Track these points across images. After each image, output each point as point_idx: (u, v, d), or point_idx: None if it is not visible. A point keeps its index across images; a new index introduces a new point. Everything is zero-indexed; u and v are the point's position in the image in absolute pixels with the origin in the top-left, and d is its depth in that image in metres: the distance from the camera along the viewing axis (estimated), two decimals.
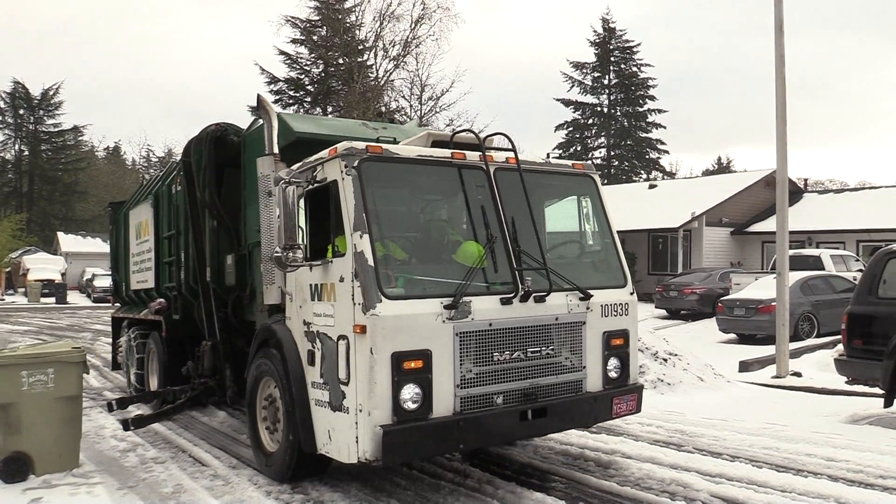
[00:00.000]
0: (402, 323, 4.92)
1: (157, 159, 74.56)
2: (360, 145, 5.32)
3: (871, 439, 7.25)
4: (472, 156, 5.73)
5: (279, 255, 5.30)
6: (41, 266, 47.89)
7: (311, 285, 5.60)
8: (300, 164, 5.88)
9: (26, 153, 67.44)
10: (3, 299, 43.73)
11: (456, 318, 5.10)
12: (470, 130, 6.10)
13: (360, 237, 5.04)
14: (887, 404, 7.81)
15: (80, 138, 71.52)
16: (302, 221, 5.53)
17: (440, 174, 5.69)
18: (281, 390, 5.84)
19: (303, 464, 5.77)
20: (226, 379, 7.79)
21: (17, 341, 17.72)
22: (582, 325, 5.81)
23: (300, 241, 5.35)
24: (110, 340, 16.79)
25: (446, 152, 5.68)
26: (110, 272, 13.41)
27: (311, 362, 5.53)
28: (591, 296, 5.85)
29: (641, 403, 6.28)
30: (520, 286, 5.41)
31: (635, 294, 6.36)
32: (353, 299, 5.00)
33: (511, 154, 5.92)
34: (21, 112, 66.64)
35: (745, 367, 12.48)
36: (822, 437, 7.34)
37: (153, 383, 9.55)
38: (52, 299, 41.17)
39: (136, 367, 9.98)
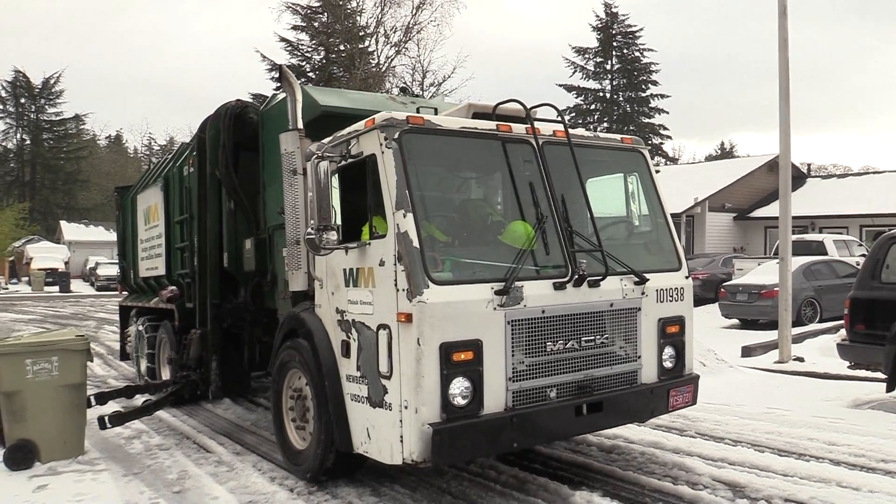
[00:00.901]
0: (452, 311, 4.51)
1: (158, 147, 74.64)
2: (401, 115, 4.88)
3: (872, 424, 7.25)
4: (518, 128, 5.31)
5: (312, 236, 4.85)
6: (44, 255, 48.09)
7: (344, 270, 5.17)
8: (331, 137, 5.42)
9: (28, 142, 67.51)
10: (7, 288, 43.87)
11: (507, 305, 4.71)
12: (515, 100, 5.54)
13: (404, 216, 4.60)
14: (889, 389, 7.82)
15: (82, 127, 71.61)
16: (334, 200, 5.08)
17: (485, 148, 5.26)
18: (311, 384, 5.45)
19: (336, 463, 5.40)
20: (211, 372, 7.47)
21: (20, 330, 17.79)
22: (637, 312, 5.43)
23: (334, 222, 4.93)
24: (114, 329, 16.83)
25: (491, 124, 5.24)
26: (117, 259, 13.14)
27: (346, 354, 5.12)
28: (647, 280, 5.47)
29: (697, 395, 5.94)
30: (573, 270, 5.03)
31: (691, 278, 5.99)
32: (395, 285, 4.59)
33: (558, 127, 5.53)
34: (22, 101, 66.64)
35: (747, 352, 12.50)
36: (824, 422, 7.35)
37: (165, 375, 9.27)
38: (56, 288, 41.42)
39: (147, 358, 9.75)
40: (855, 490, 5.24)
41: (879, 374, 8.18)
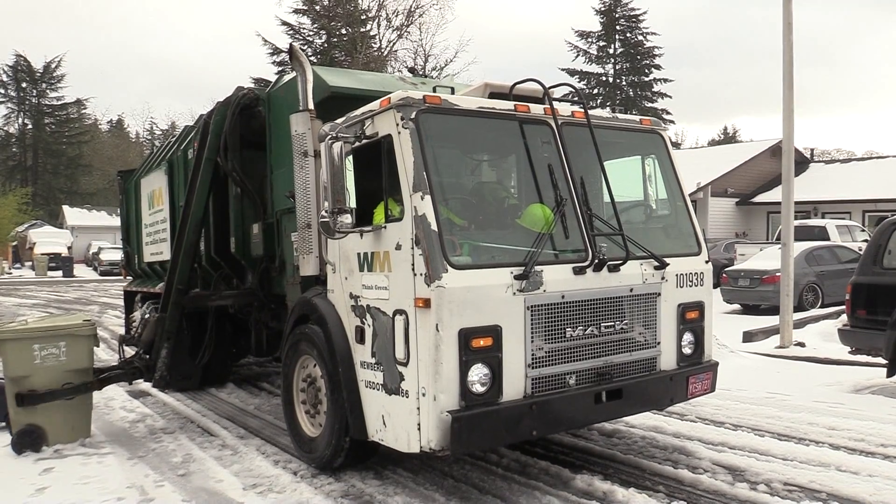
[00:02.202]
0: (471, 296, 4.42)
1: (160, 132, 74.55)
2: (417, 95, 4.75)
3: (873, 408, 7.29)
4: (535, 109, 5.18)
5: (326, 220, 4.69)
6: (47, 240, 48.22)
7: (359, 254, 5.04)
8: (345, 117, 5.27)
9: (30, 127, 67.48)
10: (11, 273, 44.03)
11: (527, 290, 4.62)
12: (534, 80, 5.41)
13: (421, 198, 4.47)
14: (890, 374, 7.84)
15: (84, 111, 71.71)
16: (348, 182, 4.92)
17: (503, 128, 5.13)
18: (324, 371, 5.35)
19: (350, 451, 5.31)
20: (159, 359, 7.30)
21: (25, 314, 17.86)
22: (657, 297, 5.33)
23: (348, 205, 4.78)
24: (118, 313, 16.92)
25: (509, 104, 5.11)
26: (121, 244, 13.09)
27: (360, 340, 5.02)
28: (667, 264, 5.37)
29: (716, 383, 5.86)
30: (593, 254, 4.95)
31: (710, 263, 5.91)
32: (413, 269, 4.47)
33: (576, 108, 5.43)
34: (24, 85, 66.52)
35: (748, 337, 12.52)
36: (825, 407, 7.39)
37: None
38: (59, 273, 41.49)
39: None
40: (854, 474, 5.28)
41: (880, 360, 8.19)
